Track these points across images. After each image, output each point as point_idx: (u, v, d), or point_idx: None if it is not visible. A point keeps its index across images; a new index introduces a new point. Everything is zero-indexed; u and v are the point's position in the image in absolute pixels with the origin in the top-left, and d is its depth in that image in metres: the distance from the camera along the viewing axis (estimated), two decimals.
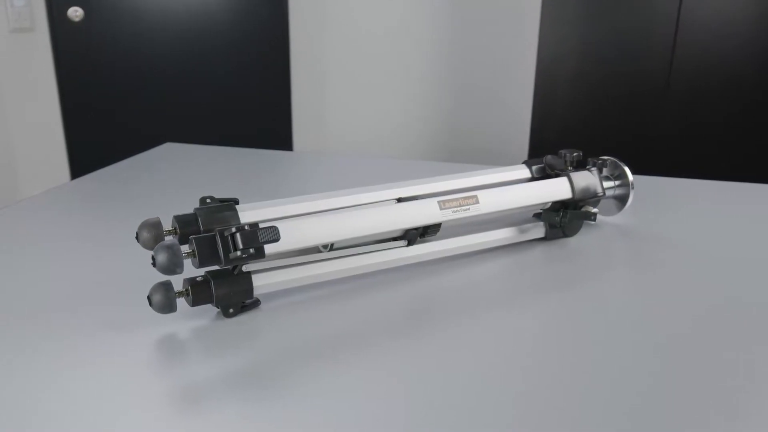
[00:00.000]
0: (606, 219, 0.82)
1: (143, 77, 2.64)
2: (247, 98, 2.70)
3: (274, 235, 0.51)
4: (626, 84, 2.11)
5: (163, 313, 0.53)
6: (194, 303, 0.54)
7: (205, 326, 0.55)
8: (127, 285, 0.62)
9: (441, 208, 0.62)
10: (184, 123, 2.68)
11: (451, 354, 0.51)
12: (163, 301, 0.52)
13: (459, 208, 0.63)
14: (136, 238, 0.55)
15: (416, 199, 0.65)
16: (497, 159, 2.75)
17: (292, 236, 0.56)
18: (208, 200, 0.57)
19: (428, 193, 0.66)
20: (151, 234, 0.54)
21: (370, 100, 2.80)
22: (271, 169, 1.09)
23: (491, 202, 0.65)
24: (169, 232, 0.55)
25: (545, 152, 2.21)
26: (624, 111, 2.13)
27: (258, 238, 0.51)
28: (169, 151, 1.21)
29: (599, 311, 0.58)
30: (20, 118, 2.56)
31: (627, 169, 0.78)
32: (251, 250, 0.51)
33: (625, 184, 0.78)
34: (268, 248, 0.55)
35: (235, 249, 0.51)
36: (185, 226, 0.55)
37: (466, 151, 2.76)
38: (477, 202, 0.64)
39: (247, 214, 0.57)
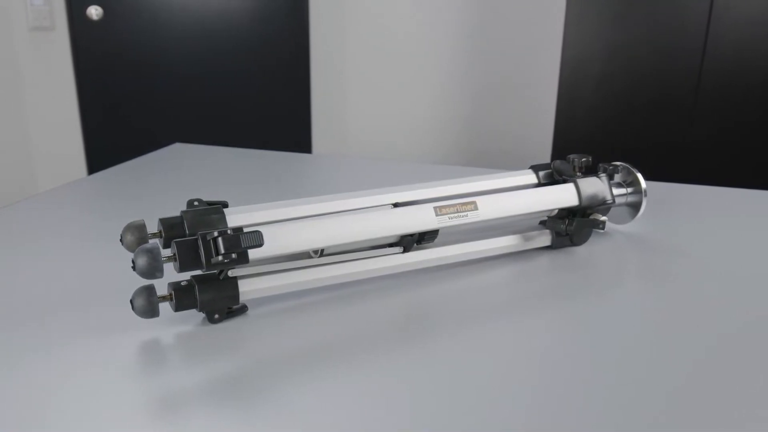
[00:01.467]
0: (617, 227, 0.80)
1: (161, 77, 2.67)
2: (265, 100, 2.72)
3: (257, 239, 0.51)
4: (654, 87, 2.07)
5: (145, 317, 0.53)
6: (178, 308, 0.54)
7: (189, 332, 0.55)
8: (118, 286, 0.62)
9: (437, 215, 0.61)
10: (201, 124, 2.70)
11: (448, 369, 0.50)
12: (145, 305, 0.52)
13: (456, 215, 0.62)
14: (121, 240, 0.54)
15: (413, 204, 0.64)
16: (520, 163, 2.72)
17: (279, 241, 0.56)
18: (196, 203, 0.57)
19: (426, 199, 0.65)
20: (134, 236, 0.54)
21: (391, 102, 2.80)
22: (286, 172, 1.08)
23: (491, 208, 0.64)
24: (154, 236, 0.55)
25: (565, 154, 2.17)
26: (651, 114, 2.09)
27: (240, 242, 0.50)
28: (178, 151, 1.21)
29: (608, 326, 0.57)
30: (39, 115, 2.61)
31: (640, 176, 0.76)
32: (233, 255, 0.51)
33: (638, 191, 0.76)
34: (255, 253, 0.54)
35: (217, 254, 0.50)
36: (170, 229, 0.54)
37: (488, 154, 2.74)
38: (476, 208, 0.63)
39: (235, 218, 0.57)
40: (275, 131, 2.76)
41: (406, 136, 2.82)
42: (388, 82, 2.77)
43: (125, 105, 2.68)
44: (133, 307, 0.53)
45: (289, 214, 0.60)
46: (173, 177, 1.06)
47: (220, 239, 0.50)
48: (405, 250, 0.63)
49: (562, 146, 2.17)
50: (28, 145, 2.59)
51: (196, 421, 0.44)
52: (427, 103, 2.76)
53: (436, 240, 0.65)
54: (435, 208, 0.61)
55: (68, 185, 1.02)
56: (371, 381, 0.48)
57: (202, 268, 0.52)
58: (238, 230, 0.52)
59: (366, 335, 0.55)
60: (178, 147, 1.22)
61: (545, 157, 2.65)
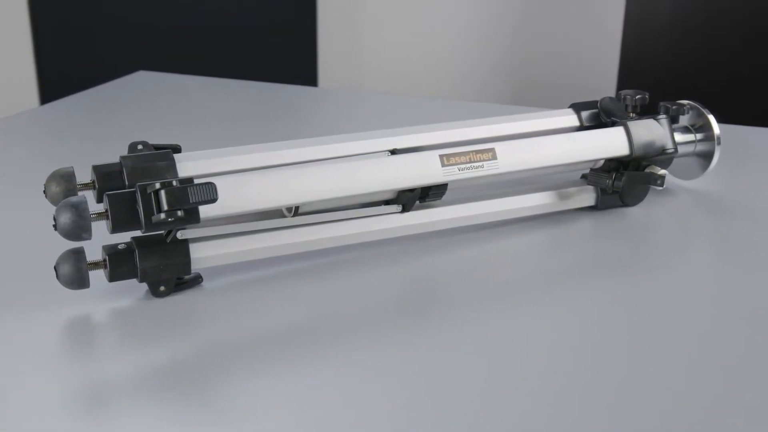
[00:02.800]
0: (683, 184, 0.78)
1: None
2: (260, 19, 2.68)
3: (209, 194, 0.50)
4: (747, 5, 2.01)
5: (72, 288, 0.53)
6: (113, 278, 0.53)
7: (127, 308, 0.55)
8: (43, 248, 0.61)
9: (443, 165, 0.60)
10: (180, 48, 2.67)
11: (459, 360, 0.49)
12: (72, 273, 0.52)
13: (468, 165, 0.60)
14: (45, 192, 0.54)
15: (415, 151, 0.62)
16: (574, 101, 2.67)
17: (241, 195, 0.55)
18: (140, 146, 0.56)
19: (433, 144, 0.63)
20: (60, 188, 0.53)
21: (415, 20, 2.75)
22: (281, 109, 1.07)
23: (514, 158, 0.62)
24: (86, 186, 0.54)
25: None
26: (744, 41, 2.04)
27: (188, 197, 0.49)
28: (142, 81, 1.20)
29: (667, 309, 0.56)
30: None
31: (712, 119, 0.74)
32: (179, 213, 0.50)
33: (710, 138, 0.74)
34: (210, 210, 0.53)
35: (159, 210, 0.50)
36: (106, 179, 0.54)
37: (533, 89, 2.69)
38: (494, 157, 0.61)
39: (188, 166, 0.56)
40: (271, 57, 2.74)
41: (433, 65, 2.78)
42: None
43: (85, 23, 2.66)
44: (57, 275, 0.52)
45: (257, 162, 0.59)
46: (135, 112, 1.05)
47: (162, 192, 0.49)
48: (404, 210, 0.62)
49: (629, 78, 2.13)
50: None
51: (128, 419, 0.43)
52: (460, 20, 2.71)
53: (445, 197, 0.63)
54: (441, 156, 0.60)
55: (13, 117, 1.02)
56: (357, 373, 0.47)
57: (141, 229, 0.51)
58: (187, 181, 0.51)
59: (352, 316, 0.54)
60: (141, 76, 1.21)
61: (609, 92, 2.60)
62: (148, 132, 0.94)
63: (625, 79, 2.18)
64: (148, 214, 0.50)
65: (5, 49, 2.70)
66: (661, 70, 2.15)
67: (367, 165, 0.59)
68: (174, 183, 0.50)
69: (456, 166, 0.60)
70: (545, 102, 2.73)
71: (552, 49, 2.74)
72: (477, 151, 0.61)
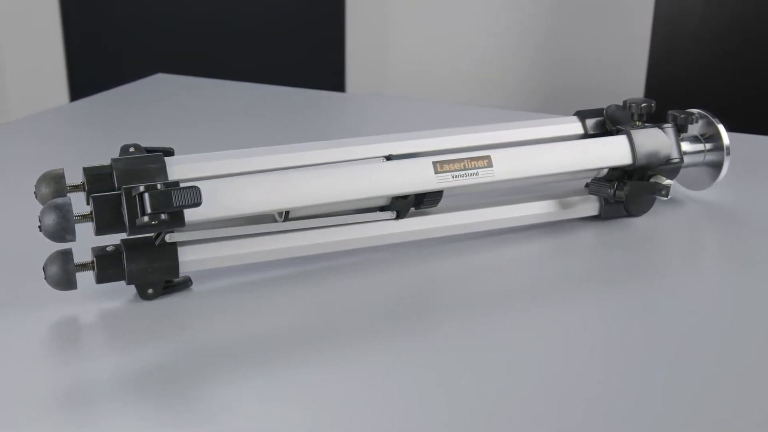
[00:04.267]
0: (692, 194, 0.76)
1: None
2: (288, 23, 2.69)
3: (193, 197, 0.50)
4: None
5: (60, 289, 0.53)
6: (100, 279, 0.54)
7: (116, 310, 0.55)
8: (37, 248, 0.62)
9: (436, 171, 0.59)
10: (208, 53, 2.69)
11: (453, 371, 0.48)
12: (59, 274, 0.52)
13: (462, 172, 0.60)
14: (35, 194, 0.54)
15: (412, 157, 0.61)
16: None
17: (228, 199, 0.55)
18: (132, 149, 0.56)
19: (430, 151, 0.62)
20: (50, 189, 0.54)
21: (445, 25, 2.74)
22: (306, 114, 1.07)
23: (510, 166, 0.61)
24: (76, 188, 0.54)
25: (666, 99, 2.10)
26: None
27: (172, 200, 0.49)
28: (160, 83, 1.21)
29: (672, 322, 0.54)
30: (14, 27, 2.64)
31: (722, 128, 0.72)
32: (163, 216, 0.50)
33: (719, 148, 0.72)
34: (200, 214, 0.53)
35: (143, 213, 0.50)
36: (96, 180, 0.54)
37: (565, 93, 2.67)
38: (490, 165, 0.60)
39: (179, 169, 0.56)
40: (299, 63, 2.74)
41: (464, 70, 2.77)
42: (444, 1, 2.72)
43: (116, 24, 2.68)
44: (45, 276, 0.53)
45: (250, 166, 0.59)
46: (154, 113, 1.05)
47: (146, 195, 0.49)
48: (399, 216, 0.61)
49: (657, 86, 2.09)
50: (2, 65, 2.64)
51: (109, 420, 0.44)
52: (491, 25, 2.69)
53: (443, 204, 0.62)
54: (434, 163, 0.59)
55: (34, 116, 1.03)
56: (347, 383, 0.46)
57: (126, 232, 0.51)
58: (173, 185, 0.51)
59: (343, 323, 0.54)
60: (160, 78, 1.22)
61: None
62: (168, 132, 0.95)
63: (653, 86, 2.15)
64: (133, 216, 0.50)
65: (39, 50, 2.75)
66: (690, 75, 2.12)
67: (358, 170, 0.58)
68: (158, 186, 0.50)
69: (450, 173, 0.59)
70: (575, 107, 2.70)
71: (580, 55, 2.72)
72: (472, 159, 0.60)
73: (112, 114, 1.07)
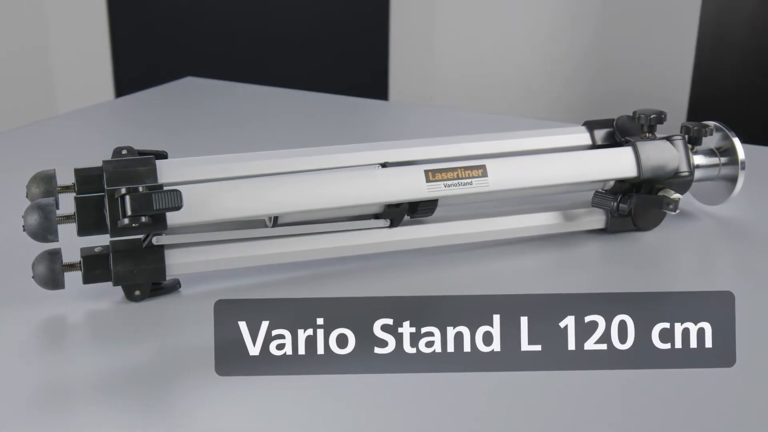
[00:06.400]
0: (707, 209, 0.74)
1: None
2: (331, 32, 2.70)
3: (174, 201, 0.50)
4: None
5: (47, 288, 0.53)
6: (87, 280, 0.54)
7: (103, 310, 0.55)
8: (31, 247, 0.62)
9: (428, 180, 0.58)
10: (252, 59, 2.70)
11: (447, 386, 0.47)
12: (46, 273, 0.53)
13: (456, 182, 0.58)
14: (26, 194, 0.55)
15: (407, 165, 0.61)
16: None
17: (213, 203, 0.54)
18: (124, 151, 0.56)
19: (429, 159, 0.62)
20: (40, 189, 0.54)
21: (489, 35, 2.72)
22: (345, 123, 1.06)
23: (505, 176, 0.60)
24: (66, 189, 0.54)
25: (710, 114, 2.06)
26: None
27: (152, 203, 0.49)
28: (190, 87, 1.22)
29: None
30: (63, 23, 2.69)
31: (737, 141, 0.70)
32: (144, 218, 0.50)
33: (734, 162, 0.69)
34: (187, 218, 0.53)
35: (124, 215, 0.50)
36: (86, 182, 0.54)
37: (609, 102, 2.62)
38: (484, 174, 0.59)
39: (170, 172, 0.56)
40: (341, 70, 2.75)
41: (507, 82, 2.74)
42: (486, 12, 2.70)
43: (160, 23, 2.71)
44: (33, 275, 0.53)
45: (243, 171, 0.58)
46: (179, 118, 1.06)
47: (127, 198, 0.49)
48: (393, 225, 0.60)
49: (701, 100, 2.05)
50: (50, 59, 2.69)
51: (89, 415, 0.44)
52: (535, 38, 2.66)
53: (442, 214, 0.61)
54: (426, 171, 0.58)
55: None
56: (335, 394, 0.46)
57: (110, 233, 0.52)
58: (156, 188, 0.51)
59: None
60: (190, 82, 1.23)
61: (681, 116, 2.51)
62: (194, 135, 0.95)
63: (697, 99, 2.11)
64: (114, 218, 0.50)
65: (87, 49, 2.81)
66: (736, 84, 2.07)
67: (347, 177, 0.57)
68: (140, 189, 0.50)
69: (442, 182, 0.58)
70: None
71: (624, 67, 2.67)
72: (466, 168, 0.59)
73: (142, 114, 1.08)
